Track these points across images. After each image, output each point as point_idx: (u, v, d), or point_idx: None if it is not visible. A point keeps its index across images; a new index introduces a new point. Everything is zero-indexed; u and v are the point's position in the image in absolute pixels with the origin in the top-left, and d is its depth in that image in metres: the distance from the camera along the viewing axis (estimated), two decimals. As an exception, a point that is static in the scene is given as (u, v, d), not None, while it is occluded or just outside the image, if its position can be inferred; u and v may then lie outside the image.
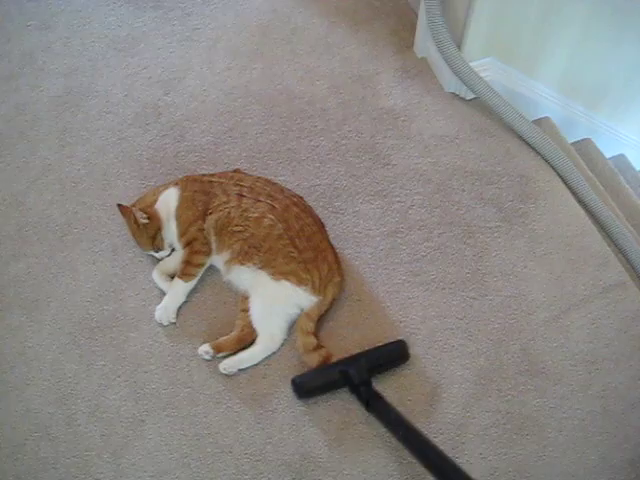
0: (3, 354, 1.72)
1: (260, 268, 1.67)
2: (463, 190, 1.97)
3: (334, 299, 1.74)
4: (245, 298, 1.70)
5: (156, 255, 1.79)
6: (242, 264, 1.69)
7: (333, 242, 1.79)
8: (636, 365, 1.76)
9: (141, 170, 1.99)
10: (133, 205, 1.77)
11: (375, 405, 1.59)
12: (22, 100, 2.16)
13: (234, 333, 1.68)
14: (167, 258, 1.81)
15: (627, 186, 2.57)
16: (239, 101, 2.12)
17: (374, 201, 1.94)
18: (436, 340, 1.74)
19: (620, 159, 2.88)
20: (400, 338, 1.71)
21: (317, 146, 2.03)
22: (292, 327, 1.71)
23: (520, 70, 2.18)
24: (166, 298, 1.75)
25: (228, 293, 1.77)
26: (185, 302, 1.76)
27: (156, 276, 1.79)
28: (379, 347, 1.69)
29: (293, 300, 1.68)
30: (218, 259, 1.75)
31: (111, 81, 2.18)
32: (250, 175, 1.84)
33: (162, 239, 1.76)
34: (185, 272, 1.74)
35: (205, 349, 1.67)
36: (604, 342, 1.78)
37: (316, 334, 1.68)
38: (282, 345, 1.70)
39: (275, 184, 1.80)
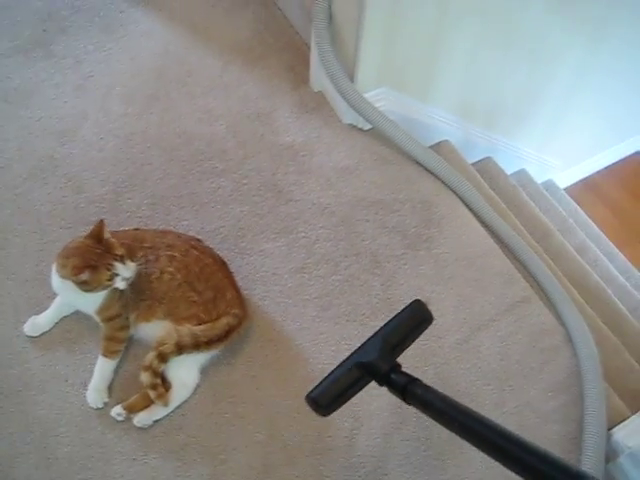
0: None
1: (164, 319, 1.64)
2: (367, 220, 1.99)
3: (230, 329, 1.67)
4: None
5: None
6: (148, 321, 1.66)
7: (240, 283, 1.77)
8: (546, 378, 1.81)
9: (40, 225, 1.93)
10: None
11: (414, 392, 1.26)
12: None
13: (145, 390, 1.64)
14: (43, 316, 1.76)
15: (529, 200, 2.66)
16: (137, 147, 2.09)
17: (279, 239, 1.94)
18: (351, 373, 1.74)
19: (521, 174, 2.98)
20: (416, 298, 1.40)
21: (218, 187, 2.02)
22: (203, 370, 1.69)
23: (415, 97, 2.23)
24: (95, 380, 1.67)
25: (137, 345, 1.72)
26: (93, 357, 1.71)
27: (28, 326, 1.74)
28: (392, 319, 1.37)
29: None
30: None
31: (3, 135, 2.11)
32: (147, 230, 1.80)
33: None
34: (111, 350, 1.67)
35: (117, 411, 1.62)
36: (514, 359, 1.82)
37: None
38: (195, 392, 1.67)
39: (171, 232, 1.78)
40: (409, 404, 1.26)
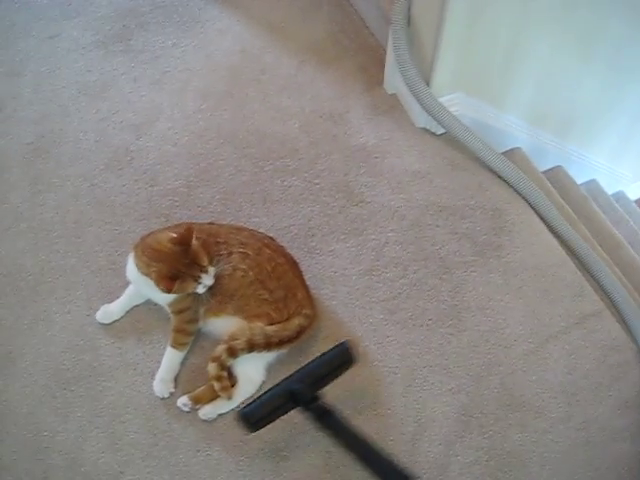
0: (-24, 410, 1.69)
1: (234, 315, 1.66)
2: (437, 225, 1.98)
3: (301, 330, 1.69)
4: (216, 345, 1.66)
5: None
6: (217, 316, 1.68)
7: (309, 282, 1.78)
8: (615, 395, 1.77)
9: (114, 216, 1.97)
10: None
11: (326, 422, 1.48)
12: (-8, 148, 2.15)
13: (211, 383, 1.66)
14: (115, 304, 1.80)
15: (599, 211, 2.61)
16: (211, 143, 2.12)
17: (349, 240, 1.94)
18: (415, 378, 1.74)
19: (592, 184, 2.92)
20: (345, 340, 1.60)
21: (290, 186, 2.03)
22: (270, 368, 1.70)
23: (489, 103, 2.21)
24: (162, 370, 1.70)
25: (205, 339, 1.75)
26: (162, 347, 1.74)
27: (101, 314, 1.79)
28: (319, 356, 1.59)
29: None
30: None
31: (82, 127, 2.17)
32: (222, 225, 1.82)
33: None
34: (179, 342, 1.70)
35: (183, 401, 1.65)
36: (583, 373, 1.78)
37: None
38: (261, 388, 1.68)
39: (245, 229, 1.79)
40: (321, 429, 1.48)
